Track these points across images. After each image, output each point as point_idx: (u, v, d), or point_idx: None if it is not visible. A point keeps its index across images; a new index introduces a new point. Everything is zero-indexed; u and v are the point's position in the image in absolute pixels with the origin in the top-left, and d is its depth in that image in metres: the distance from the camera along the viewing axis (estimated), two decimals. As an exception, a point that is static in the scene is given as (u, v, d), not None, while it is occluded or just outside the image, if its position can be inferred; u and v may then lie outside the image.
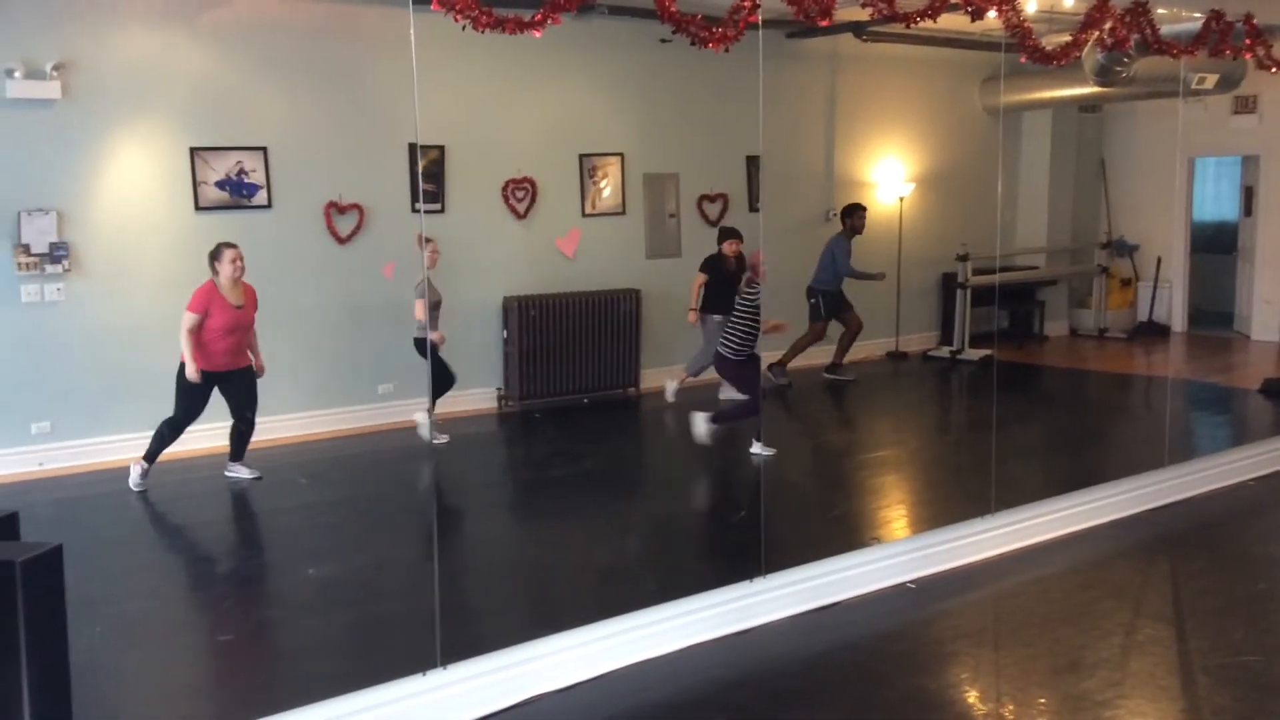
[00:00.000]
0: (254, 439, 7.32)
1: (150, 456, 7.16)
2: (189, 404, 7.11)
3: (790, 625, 5.09)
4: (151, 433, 7.17)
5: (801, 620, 5.14)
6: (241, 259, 7.07)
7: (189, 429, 7.25)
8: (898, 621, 5.17)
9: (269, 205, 8.55)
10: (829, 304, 10.52)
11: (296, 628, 5.25)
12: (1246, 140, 12.69)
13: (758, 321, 7.57)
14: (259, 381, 7.33)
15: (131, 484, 7.13)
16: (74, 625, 3.35)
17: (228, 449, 7.38)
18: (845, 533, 6.40)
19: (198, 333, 6.95)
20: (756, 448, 7.80)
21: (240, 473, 7.37)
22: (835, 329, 10.72)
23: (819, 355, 10.76)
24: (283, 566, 6.18)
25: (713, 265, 9.40)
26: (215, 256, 7.06)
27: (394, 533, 6.55)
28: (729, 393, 9.34)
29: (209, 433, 8.27)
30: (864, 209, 10.80)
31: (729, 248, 9.34)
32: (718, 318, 8.97)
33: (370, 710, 4.09)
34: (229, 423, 7.32)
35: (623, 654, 4.68)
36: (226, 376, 7.18)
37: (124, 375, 8.07)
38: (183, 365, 6.97)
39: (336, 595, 5.49)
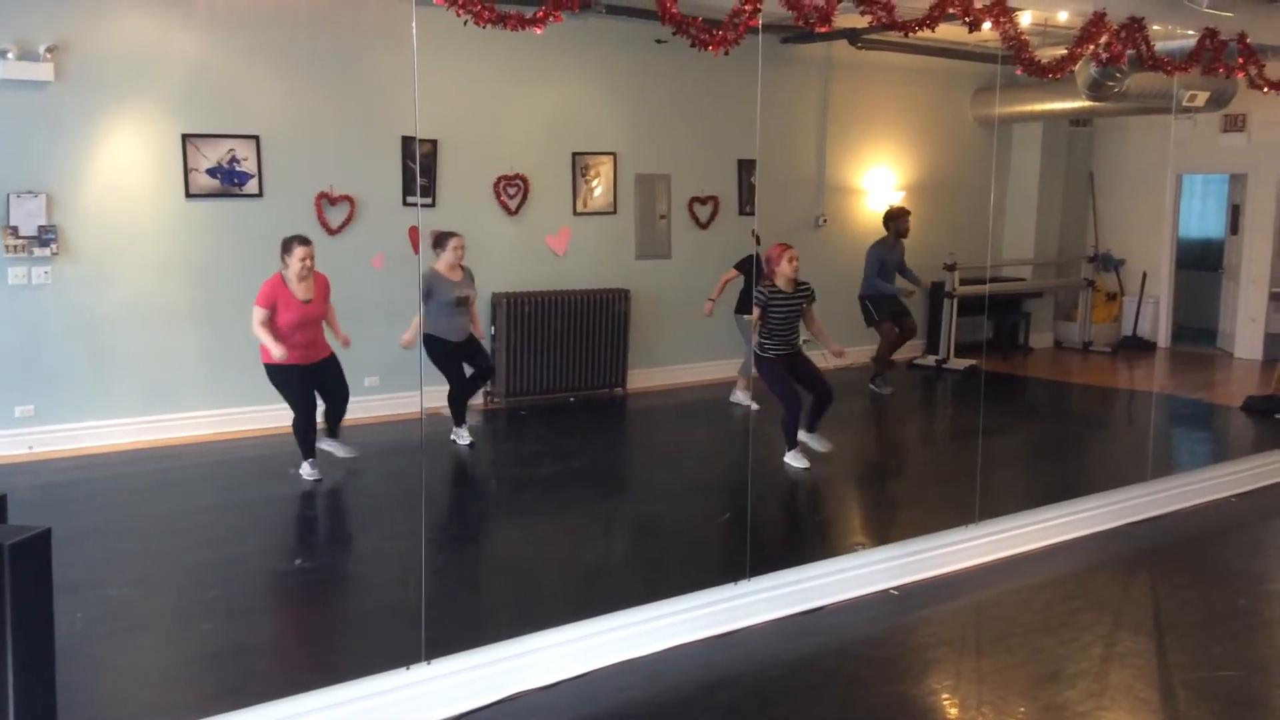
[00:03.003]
0: (236, 429, 7.28)
1: (307, 455, 7.09)
2: (295, 399, 6.97)
3: (774, 628, 5.11)
4: (136, 418, 7.15)
5: (785, 624, 5.15)
6: (311, 257, 6.88)
7: (206, 412, 7.09)
8: (881, 627, 5.19)
9: (260, 194, 8.52)
10: (879, 308, 10.32)
11: (281, 618, 5.24)
12: (1234, 158, 12.77)
13: (790, 322, 7.50)
14: (346, 353, 7.23)
15: (306, 476, 7.09)
16: (57, 610, 3.33)
17: (214, 438, 7.34)
18: (830, 538, 6.42)
19: (269, 326, 6.78)
20: (811, 440, 7.66)
21: (335, 449, 7.30)
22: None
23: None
24: (269, 557, 6.15)
25: (746, 267, 9.26)
26: (285, 250, 6.88)
27: (380, 526, 6.54)
28: (739, 396, 9.39)
29: (194, 421, 8.28)
30: (907, 212, 10.57)
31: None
32: (747, 317, 8.99)
33: (353, 703, 4.08)
34: (229, 410, 7.28)
35: (606, 653, 4.68)
36: (311, 370, 7.03)
37: (110, 360, 8.04)
38: (270, 366, 6.85)
39: (322, 587, 5.48)
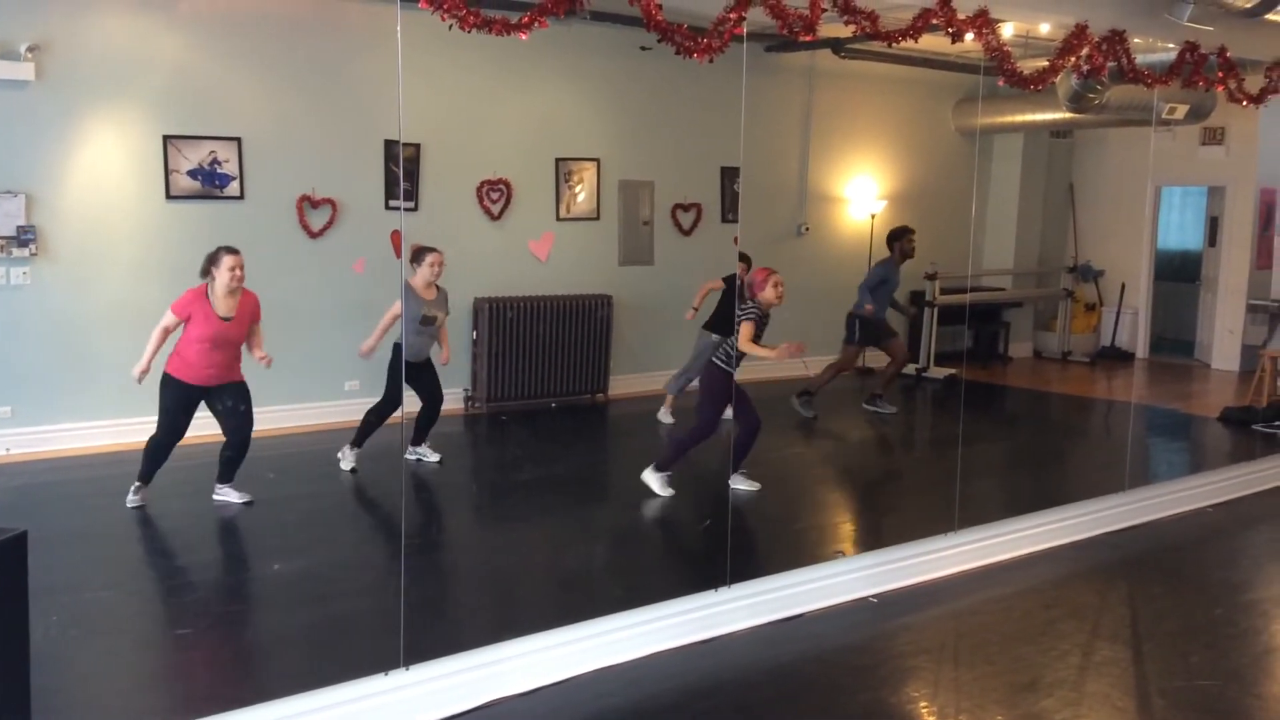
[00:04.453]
0: (214, 433, 6.91)
1: (143, 476, 6.58)
2: (167, 419, 6.45)
3: (754, 635, 5.11)
4: (113, 421, 7.05)
5: (765, 631, 5.15)
6: (241, 268, 6.31)
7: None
8: (860, 635, 5.20)
9: (241, 196, 8.49)
10: (865, 330, 9.89)
11: (259, 623, 5.21)
12: (1213, 171, 12.88)
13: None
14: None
15: (128, 503, 6.57)
16: (32, 614, 3.30)
17: (192, 441, 7.24)
18: (810, 545, 6.43)
19: (180, 337, 6.31)
20: (737, 480, 7.23)
21: (229, 496, 6.70)
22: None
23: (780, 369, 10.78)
24: (247, 561, 6.12)
25: (730, 284, 8.86)
26: (212, 261, 6.34)
27: (360, 531, 6.52)
28: (667, 416, 9.23)
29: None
30: (912, 231, 10.01)
31: (741, 272, 8.91)
32: (715, 337, 8.78)
33: (330, 709, 4.05)
34: (206, 413, 7.04)
35: (586, 660, 4.67)
36: (212, 392, 6.48)
37: (88, 362, 7.99)
38: (164, 376, 6.37)
39: (300, 592, 5.45)
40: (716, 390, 7.01)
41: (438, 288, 7.58)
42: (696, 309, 9.17)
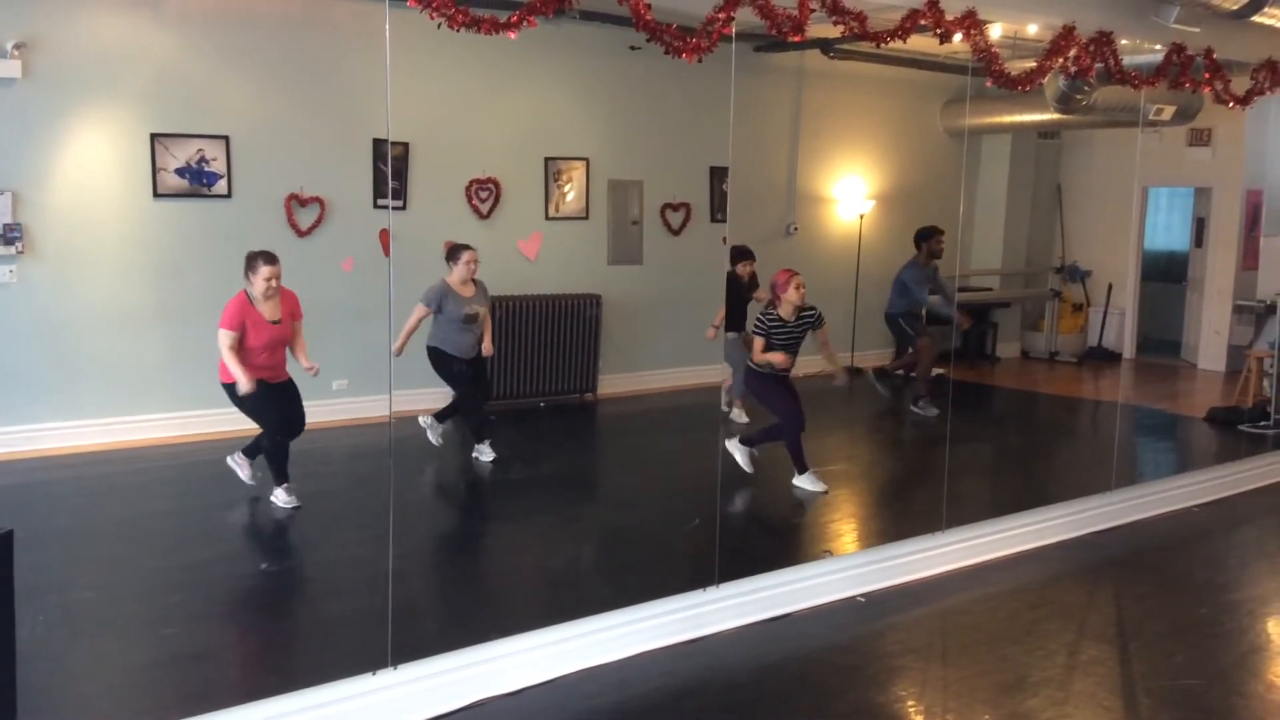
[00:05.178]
0: (208, 430, 7.05)
1: (278, 479, 6.64)
2: (267, 420, 6.55)
3: (742, 635, 5.12)
4: (100, 420, 7.03)
5: (753, 630, 5.17)
6: (278, 277, 6.38)
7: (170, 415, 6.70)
8: (848, 634, 5.21)
9: (229, 195, 8.46)
10: (911, 324, 10.05)
11: (246, 623, 5.20)
12: (1199, 172, 12.93)
13: (792, 348, 7.23)
14: (313, 356, 6.64)
15: (284, 504, 6.60)
16: (18, 613, 3.29)
17: (179, 440, 7.24)
18: (799, 545, 6.44)
19: (237, 349, 6.31)
20: (801, 480, 7.32)
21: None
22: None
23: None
24: (233, 561, 6.10)
25: (729, 284, 9.01)
26: (250, 267, 6.39)
27: (347, 530, 6.49)
28: (741, 415, 9.15)
29: (158, 423, 8.20)
30: (941, 232, 10.07)
31: (743, 269, 8.99)
32: (731, 335, 8.90)
33: (318, 708, 4.05)
34: (193, 413, 6.99)
35: (574, 659, 4.68)
36: (274, 389, 6.56)
37: (74, 361, 7.96)
38: (232, 386, 6.35)
39: (288, 592, 5.44)
40: (759, 391, 7.43)
41: (475, 282, 7.69)
42: (716, 328, 8.96)
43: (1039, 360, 13.60)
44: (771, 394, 7.37)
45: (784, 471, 7.57)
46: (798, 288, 7.08)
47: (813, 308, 7.26)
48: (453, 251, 7.63)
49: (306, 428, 7.73)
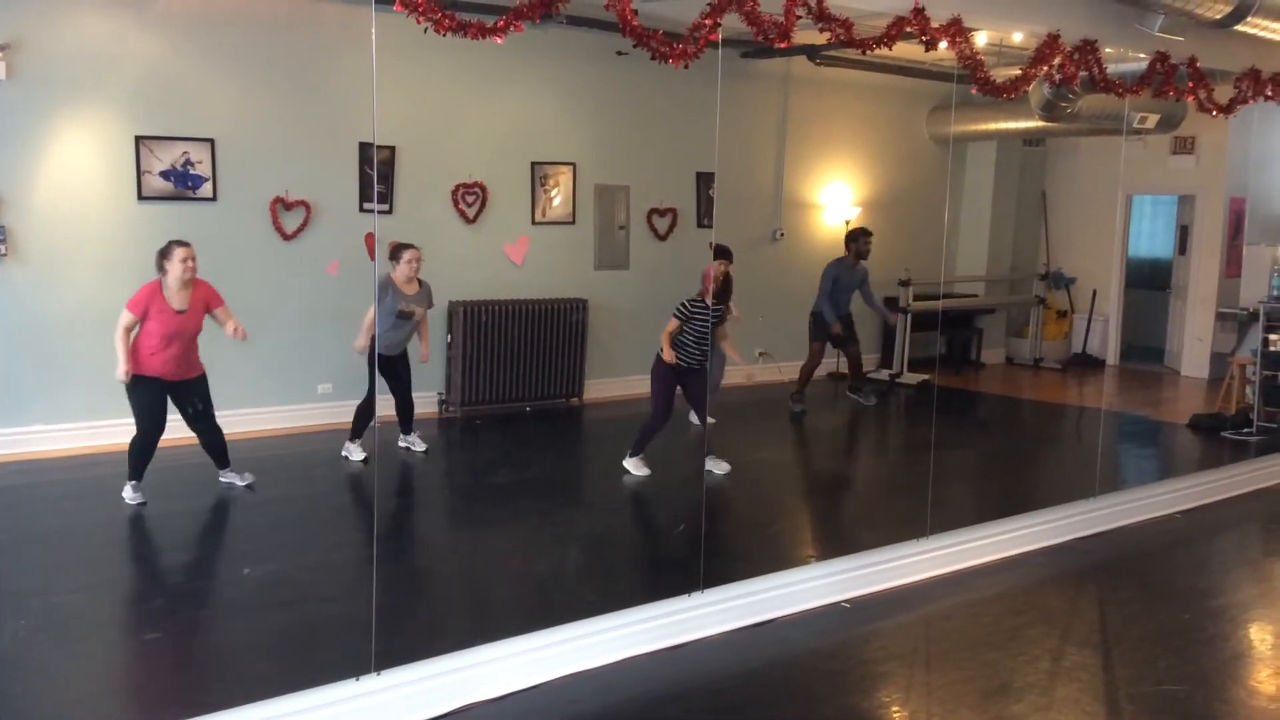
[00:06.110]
0: (183, 436, 6.98)
1: (134, 475, 6.65)
2: (143, 417, 6.53)
3: (726, 641, 5.12)
4: (85, 423, 7.01)
5: (737, 636, 5.16)
6: (194, 259, 6.46)
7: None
8: (832, 640, 5.21)
9: (214, 198, 8.44)
10: (820, 326, 10.28)
11: (229, 628, 5.17)
12: (1183, 180, 13.00)
13: (704, 333, 7.59)
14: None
15: (130, 500, 6.62)
16: (0, 618, 3.28)
17: (161, 444, 7.20)
18: (783, 550, 6.45)
19: (138, 334, 6.39)
20: (629, 462, 7.70)
21: (232, 479, 7.05)
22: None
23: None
24: (217, 565, 6.08)
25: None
26: (164, 254, 6.47)
27: (331, 535, 6.48)
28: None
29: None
30: (868, 233, 10.41)
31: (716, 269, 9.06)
32: None
33: (301, 714, 4.04)
34: (175, 416, 7.00)
35: (558, 665, 4.67)
36: (174, 387, 6.61)
37: (58, 363, 7.92)
38: (132, 377, 6.43)
39: (271, 596, 5.42)
40: (655, 379, 7.72)
41: (420, 282, 7.78)
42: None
43: (1023, 366, 13.66)
44: (662, 384, 7.64)
45: (770, 476, 7.60)
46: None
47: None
48: (395, 251, 7.75)
49: (293, 431, 7.76)
